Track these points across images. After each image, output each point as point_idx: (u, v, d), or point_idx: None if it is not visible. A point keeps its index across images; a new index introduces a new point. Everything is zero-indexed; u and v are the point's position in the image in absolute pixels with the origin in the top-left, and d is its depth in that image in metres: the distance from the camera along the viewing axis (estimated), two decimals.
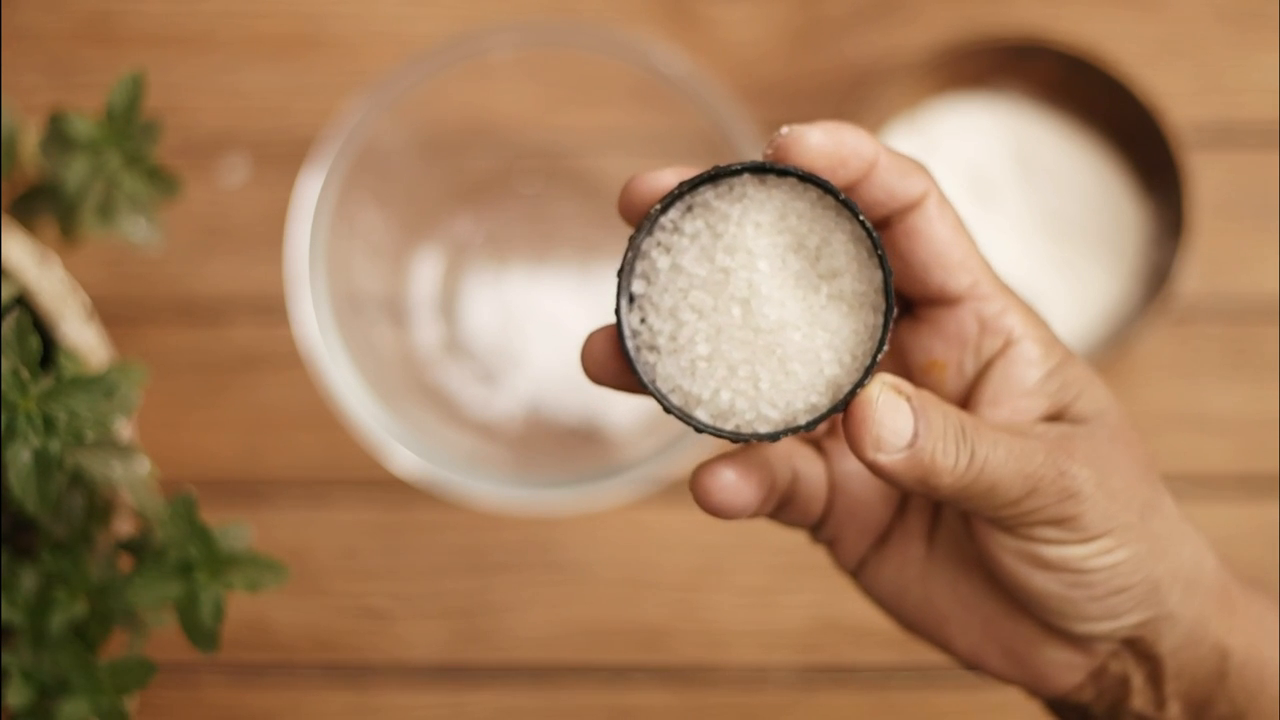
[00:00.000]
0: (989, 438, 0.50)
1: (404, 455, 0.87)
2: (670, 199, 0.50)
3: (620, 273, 0.50)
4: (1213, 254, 0.94)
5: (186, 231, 0.95)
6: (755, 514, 0.53)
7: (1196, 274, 0.94)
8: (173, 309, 0.95)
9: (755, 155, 0.88)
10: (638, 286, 0.51)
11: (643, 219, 0.50)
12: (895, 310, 0.49)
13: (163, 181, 0.71)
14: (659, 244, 0.51)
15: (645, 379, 0.50)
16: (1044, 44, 0.92)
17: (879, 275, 0.50)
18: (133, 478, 0.64)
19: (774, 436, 0.49)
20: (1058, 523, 0.51)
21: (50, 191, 0.71)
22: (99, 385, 0.59)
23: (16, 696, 0.63)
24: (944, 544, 0.56)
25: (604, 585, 0.93)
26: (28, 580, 0.64)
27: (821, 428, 0.57)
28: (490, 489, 0.87)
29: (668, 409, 0.50)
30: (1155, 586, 0.53)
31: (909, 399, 0.49)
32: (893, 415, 0.49)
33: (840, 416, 0.50)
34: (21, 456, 0.58)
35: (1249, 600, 0.57)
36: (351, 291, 0.92)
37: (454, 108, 0.93)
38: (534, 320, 0.95)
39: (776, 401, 0.50)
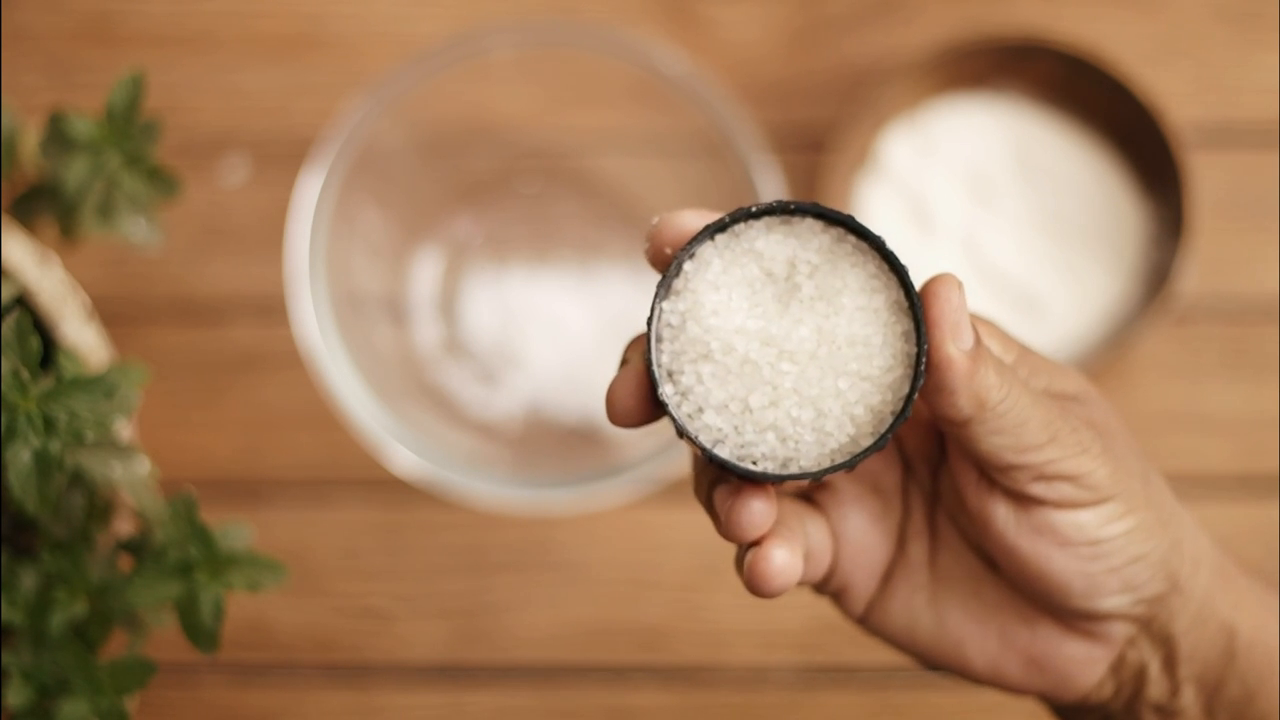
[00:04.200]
0: (1019, 381, 0.51)
1: (404, 455, 0.87)
2: (654, 383, 0.50)
3: (723, 466, 0.49)
4: (1213, 254, 0.94)
5: (186, 231, 0.95)
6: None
7: (1196, 274, 0.94)
8: (173, 309, 0.95)
9: (754, 152, 0.88)
10: (722, 451, 0.50)
11: (669, 418, 0.50)
12: (851, 215, 0.49)
13: (163, 181, 0.71)
14: (690, 416, 0.50)
15: (817, 478, 0.49)
16: (1044, 44, 0.92)
17: (813, 222, 0.50)
18: (133, 478, 0.64)
19: (920, 379, 0.48)
20: (1072, 478, 0.52)
21: (50, 191, 0.71)
22: (99, 385, 0.59)
23: (16, 696, 0.63)
24: (947, 566, 0.57)
25: (604, 585, 0.93)
26: (28, 580, 0.64)
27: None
28: (490, 489, 0.87)
29: (852, 467, 0.49)
30: (1166, 556, 0.54)
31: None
32: (965, 309, 0.49)
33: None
34: (22, 457, 0.58)
35: (1248, 580, 0.58)
36: (351, 291, 0.92)
37: (454, 108, 0.93)
38: (534, 320, 0.95)
39: (888, 365, 0.49)
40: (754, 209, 0.49)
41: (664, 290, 0.50)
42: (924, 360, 0.49)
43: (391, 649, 0.93)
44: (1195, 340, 0.94)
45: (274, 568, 0.64)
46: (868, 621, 0.58)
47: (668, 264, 0.51)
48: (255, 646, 0.92)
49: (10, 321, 0.58)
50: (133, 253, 0.94)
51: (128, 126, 0.69)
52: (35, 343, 0.59)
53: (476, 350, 0.95)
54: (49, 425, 0.58)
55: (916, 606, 0.57)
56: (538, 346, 0.94)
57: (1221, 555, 0.57)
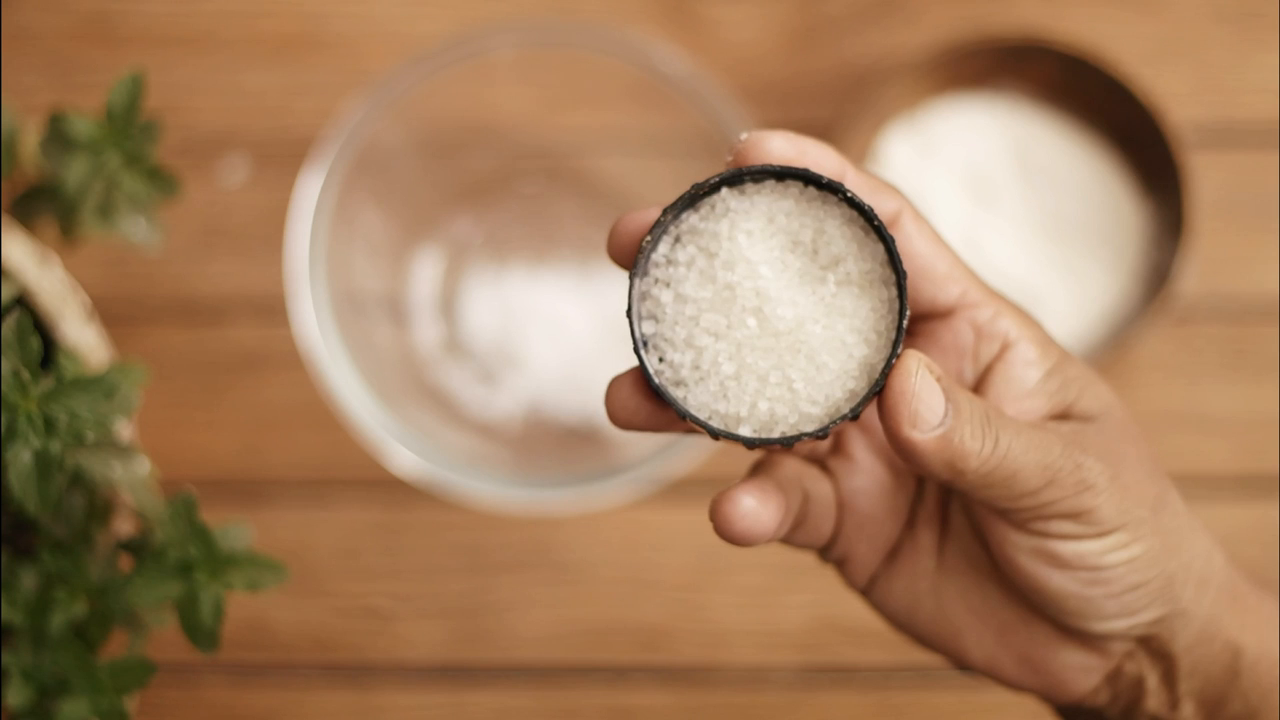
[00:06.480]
0: (1011, 427, 0.50)
1: (404, 455, 0.87)
2: (657, 231, 0.50)
3: (629, 315, 0.50)
4: (1213, 254, 0.94)
5: (186, 231, 0.95)
6: (773, 538, 0.53)
7: (1196, 274, 0.94)
8: (173, 309, 0.95)
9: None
10: (647, 327, 0.50)
11: (635, 260, 0.50)
12: (906, 275, 0.49)
13: (163, 181, 0.71)
14: (657, 280, 0.50)
15: (681, 413, 0.49)
16: (1044, 44, 0.92)
17: (880, 249, 0.50)
18: (133, 478, 0.64)
19: (823, 431, 0.49)
20: (1074, 516, 0.51)
21: (50, 191, 0.71)
22: (99, 386, 0.59)
23: (16, 696, 0.63)
24: (954, 555, 0.56)
25: (604, 585, 0.93)
26: (28, 580, 0.64)
27: (826, 444, 0.57)
28: (490, 489, 0.87)
29: (714, 435, 0.49)
30: (1170, 582, 0.53)
31: (939, 379, 0.49)
32: (929, 392, 0.49)
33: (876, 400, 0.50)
34: (22, 457, 0.58)
35: (1259, 598, 0.57)
36: (351, 291, 0.92)
37: (454, 108, 0.93)
38: (534, 320, 0.95)
39: (815, 397, 0.49)
40: (851, 195, 0.49)
41: (736, 181, 0.50)
42: (831, 426, 0.49)
43: (391, 649, 0.93)
44: (1195, 340, 0.94)
45: (274, 568, 0.64)
46: (869, 596, 0.58)
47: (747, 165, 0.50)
48: (255, 646, 0.92)
49: (10, 321, 0.58)
50: (133, 253, 0.94)
51: (128, 126, 0.69)
52: (35, 343, 0.59)
53: (476, 350, 0.95)
54: (49, 425, 0.58)
55: (919, 590, 0.57)
56: (538, 346, 0.94)
57: (1233, 573, 0.56)
